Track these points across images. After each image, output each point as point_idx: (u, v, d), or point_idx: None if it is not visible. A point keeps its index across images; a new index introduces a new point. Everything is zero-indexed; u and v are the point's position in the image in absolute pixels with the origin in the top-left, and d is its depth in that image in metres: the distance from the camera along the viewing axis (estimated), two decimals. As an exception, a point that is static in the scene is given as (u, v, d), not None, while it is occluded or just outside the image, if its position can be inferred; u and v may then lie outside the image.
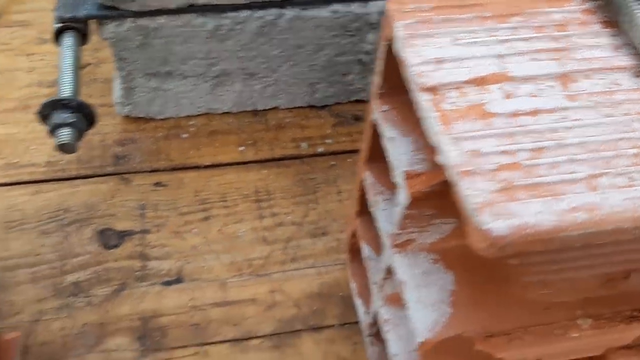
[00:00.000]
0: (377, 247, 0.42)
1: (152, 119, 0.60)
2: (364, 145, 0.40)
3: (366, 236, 0.45)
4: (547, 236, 0.23)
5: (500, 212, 0.24)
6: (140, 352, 0.45)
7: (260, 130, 0.60)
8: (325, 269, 0.51)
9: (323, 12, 0.53)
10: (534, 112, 0.27)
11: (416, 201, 0.32)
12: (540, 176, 0.25)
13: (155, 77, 0.56)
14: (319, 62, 0.57)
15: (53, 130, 0.46)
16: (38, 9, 0.68)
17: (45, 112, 0.46)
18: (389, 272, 0.38)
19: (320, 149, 0.59)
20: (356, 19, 0.54)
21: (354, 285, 0.49)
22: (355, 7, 0.54)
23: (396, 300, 0.40)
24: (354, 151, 0.55)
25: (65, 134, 0.45)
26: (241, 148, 0.58)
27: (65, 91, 0.47)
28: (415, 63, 0.29)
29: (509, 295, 0.31)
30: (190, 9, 0.51)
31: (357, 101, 0.61)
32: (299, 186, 0.56)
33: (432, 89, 0.28)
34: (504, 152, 0.26)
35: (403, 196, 0.32)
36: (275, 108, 0.61)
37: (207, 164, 0.57)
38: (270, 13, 0.53)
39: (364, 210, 0.44)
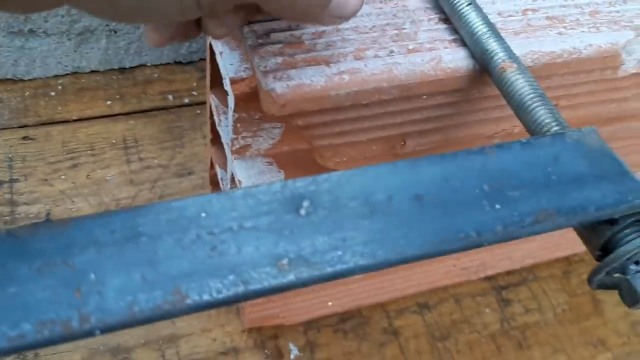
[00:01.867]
0: (226, 165, 0.46)
1: (19, 80, 0.61)
2: (207, 73, 0.45)
3: (219, 161, 0.49)
4: (319, 94, 0.29)
5: (281, 77, 0.29)
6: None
7: (128, 85, 0.63)
8: (191, 203, 0.54)
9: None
10: (319, 8, 0.33)
11: (241, 102, 0.36)
12: (317, 51, 0.30)
13: (19, 36, 0.58)
14: (179, 19, 0.61)
15: None
16: None
17: None
18: (233, 180, 0.43)
19: (186, 100, 0.62)
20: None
21: (215, 212, 0.53)
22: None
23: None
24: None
25: None
26: (109, 102, 0.61)
27: None
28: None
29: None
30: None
31: (220, 56, 0.65)
32: (166, 133, 0.59)
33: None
34: (291, 35, 0.31)
35: (231, 100, 0.37)
36: (142, 65, 0.65)
37: (75, 118, 0.59)
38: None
39: (216, 138, 0.48)
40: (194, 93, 0.63)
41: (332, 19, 0.26)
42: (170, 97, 0.63)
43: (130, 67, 0.64)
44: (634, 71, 0.36)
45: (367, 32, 0.32)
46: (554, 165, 0.24)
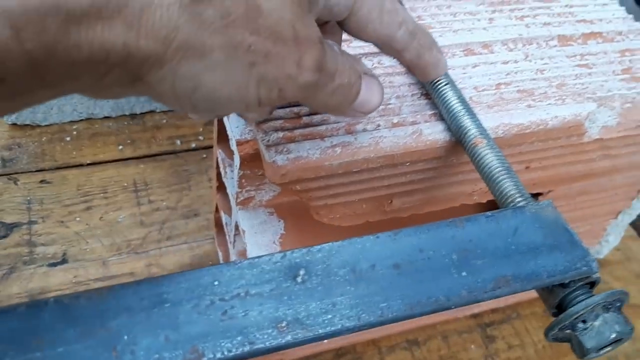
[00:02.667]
0: (230, 212, 0.50)
1: (37, 126, 0.66)
2: (214, 129, 0.49)
3: (224, 207, 0.53)
4: (315, 165, 0.33)
5: (282, 150, 0.33)
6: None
7: (138, 131, 0.67)
8: (196, 244, 0.59)
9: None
10: (315, 84, 0.37)
11: (246, 162, 0.40)
12: (313, 126, 0.34)
13: (37, 87, 0.62)
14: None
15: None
16: None
17: None
18: (237, 228, 0.47)
19: (193, 145, 0.67)
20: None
21: (220, 254, 0.57)
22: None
23: (244, 254, 0.48)
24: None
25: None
26: (120, 147, 0.65)
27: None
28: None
29: (319, 230, 0.41)
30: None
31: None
32: (174, 177, 0.64)
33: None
34: (290, 111, 0.35)
35: (237, 159, 0.41)
36: (152, 111, 0.69)
37: (89, 162, 0.64)
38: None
39: (221, 186, 0.52)
40: (200, 138, 0.68)
41: (355, 113, 0.30)
42: (178, 141, 0.67)
43: (141, 113, 0.69)
44: (598, 137, 0.40)
45: (357, 107, 0.36)
46: (513, 237, 0.28)
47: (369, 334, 0.54)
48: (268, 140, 0.33)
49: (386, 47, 0.31)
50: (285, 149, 0.33)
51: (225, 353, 0.22)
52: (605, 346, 0.27)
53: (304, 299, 0.24)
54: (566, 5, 0.47)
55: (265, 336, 0.23)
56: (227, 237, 0.52)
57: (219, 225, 0.58)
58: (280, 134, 0.34)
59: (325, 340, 0.53)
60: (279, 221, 0.44)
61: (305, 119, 0.35)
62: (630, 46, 0.45)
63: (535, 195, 0.45)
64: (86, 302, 0.23)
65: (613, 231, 0.54)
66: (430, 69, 0.32)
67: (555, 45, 0.43)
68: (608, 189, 0.47)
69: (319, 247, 0.26)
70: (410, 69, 0.32)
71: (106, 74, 0.22)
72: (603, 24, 0.46)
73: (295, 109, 0.35)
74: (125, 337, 0.22)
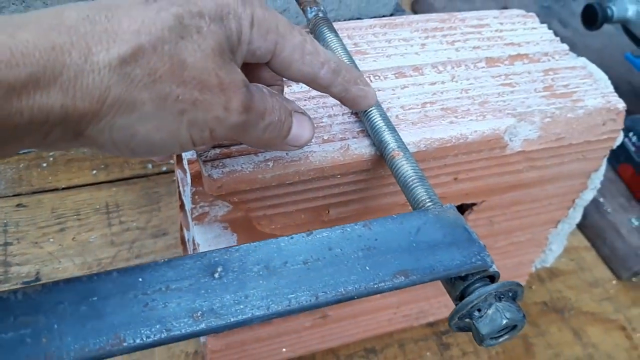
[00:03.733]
0: (189, 227, 0.53)
1: (15, 153, 0.69)
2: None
3: (185, 223, 0.56)
4: (249, 177, 0.36)
5: (218, 164, 0.36)
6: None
7: (112, 156, 0.71)
8: (164, 261, 0.61)
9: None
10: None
11: (196, 179, 0.43)
12: (249, 142, 0.38)
13: (15, 116, 0.66)
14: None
15: None
16: None
17: None
18: (194, 243, 0.50)
19: (164, 168, 0.70)
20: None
21: (185, 270, 0.60)
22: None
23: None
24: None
25: None
26: (94, 172, 0.69)
27: None
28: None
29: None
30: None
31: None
32: (145, 198, 0.67)
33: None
34: (229, 131, 0.39)
35: (188, 177, 0.44)
36: (125, 138, 0.73)
37: (64, 186, 0.67)
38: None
39: (182, 204, 0.56)
40: (171, 162, 0.71)
41: (288, 147, 0.34)
42: (150, 165, 0.70)
43: (115, 140, 0.72)
44: (520, 149, 0.44)
45: (291, 126, 0.39)
46: (415, 235, 0.31)
47: (327, 342, 0.57)
48: (206, 156, 0.37)
49: (313, 84, 0.33)
50: (221, 164, 0.36)
51: (144, 339, 0.25)
52: (501, 333, 0.30)
53: (219, 292, 0.27)
54: (496, 30, 0.51)
55: (182, 324, 0.26)
56: (189, 252, 0.55)
57: (184, 242, 0.61)
58: (218, 150, 0.37)
59: (284, 349, 0.56)
60: (232, 235, 0.47)
61: (241, 137, 0.38)
62: (554, 66, 0.48)
63: (470, 205, 0.48)
64: (22, 297, 0.26)
65: (555, 240, 0.57)
66: (360, 101, 0.36)
67: (483, 67, 0.47)
68: (542, 199, 0.50)
69: (237, 247, 0.29)
70: (341, 101, 0.36)
71: (48, 133, 0.25)
72: (530, 46, 0.50)
73: (233, 128, 0.39)
74: (55, 327, 0.25)
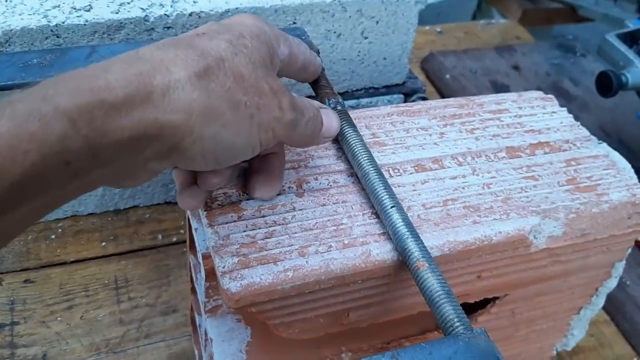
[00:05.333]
0: (202, 314, 0.52)
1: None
2: (187, 236, 0.51)
3: (197, 308, 0.55)
4: (267, 289, 0.35)
5: (236, 277, 0.35)
6: None
7: (122, 226, 0.70)
8: (174, 341, 0.60)
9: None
10: (272, 207, 0.40)
11: (211, 275, 0.42)
12: (268, 249, 0.37)
13: (24, 188, 0.65)
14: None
15: None
16: None
17: None
18: (206, 334, 0.48)
19: (174, 239, 0.69)
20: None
21: (196, 352, 0.58)
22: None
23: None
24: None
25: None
26: (103, 243, 0.68)
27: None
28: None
29: (284, 338, 0.43)
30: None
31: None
32: (154, 272, 0.65)
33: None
34: (247, 236, 0.38)
35: (202, 272, 0.43)
36: (135, 206, 0.72)
37: (72, 259, 0.66)
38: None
39: (194, 288, 0.54)
40: (181, 231, 0.70)
41: (323, 139, 0.39)
42: (160, 236, 0.69)
43: (124, 209, 0.71)
44: (545, 247, 0.43)
45: (310, 229, 0.38)
46: (446, 367, 0.29)
47: None
48: (223, 267, 0.36)
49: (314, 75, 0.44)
50: (239, 275, 0.35)
51: None
52: None
53: None
54: (515, 115, 0.50)
55: None
56: (200, 338, 0.54)
57: (194, 323, 0.59)
58: (236, 259, 0.36)
59: None
60: (246, 328, 0.46)
61: (260, 243, 0.37)
62: (576, 155, 0.47)
63: (493, 300, 0.47)
64: None
65: (577, 325, 0.55)
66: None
67: (504, 157, 0.46)
68: (564, 290, 0.49)
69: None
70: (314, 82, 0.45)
71: (146, 148, 0.29)
72: (551, 133, 0.49)
73: (252, 232, 0.38)
74: None
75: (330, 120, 0.39)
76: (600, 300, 0.53)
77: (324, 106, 0.40)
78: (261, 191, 0.39)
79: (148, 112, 0.28)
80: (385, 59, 0.69)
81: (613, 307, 0.70)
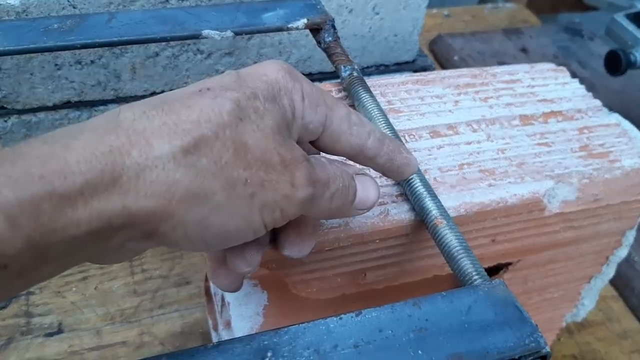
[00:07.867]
0: (218, 283, 0.53)
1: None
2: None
3: (213, 277, 0.55)
4: (289, 246, 0.36)
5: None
6: (23, 394, 0.52)
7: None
8: (188, 312, 0.61)
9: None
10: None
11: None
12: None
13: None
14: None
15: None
16: None
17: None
18: (223, 299, 0.49)
19: (186, 214, 0.70)
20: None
21: (209, 321, 0.59)
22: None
23: (230, 324, 0.50)
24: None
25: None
26: (117, 217, 0.68)
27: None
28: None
29: (300, 301, 0.43)
30: (66, 105, 0.62)
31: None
32: (167, 246, 0.66)
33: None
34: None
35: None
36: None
37: (86, 232, 0.66)
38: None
39: (210, 257, 0.55)
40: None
41: (357, 211, 0.33)
42: (172, 211, 0.70)
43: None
44: (558, 211, 0.43)
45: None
46: (467, 315, 0.30)
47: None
48: (245, 224, 0.36)
49: (360, 156, 0.33)
50: (261, 232, 0.36)
51: None
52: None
53: (270, 379, 0.27)
54: (528, 86, 0.51)
55: (233, 416, 0.25)
56: (215, 306, 0.54)
57: (209, 293, 0.60)
58: (257, 218, 0.37)
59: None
60: (263, 292, 0.46)
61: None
62: (588, 123, 0.48)
63: (506, 265, 0.47)
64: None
65: (587, 295, 0.56)
66: (404, 169, 0.35)
67: (517, 125, 0.46)
68: (576, 257, 0.49)
69: (286, 329, 0.28)
70: (384, 172, 0.35)
71: (113, 237, 0.24)
72: (563, 102, 0.50)
73: (272, 193, 0.38)
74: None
75: (366, 191, 0.32)
76: (610, 270, 0.53)
77: (361, 172, 0.33)
78: (291, 250, 0.32)
79: (113, 200, 0.23)
80: (396, 35, 0.70)
81: (621, 282, 0.71)
